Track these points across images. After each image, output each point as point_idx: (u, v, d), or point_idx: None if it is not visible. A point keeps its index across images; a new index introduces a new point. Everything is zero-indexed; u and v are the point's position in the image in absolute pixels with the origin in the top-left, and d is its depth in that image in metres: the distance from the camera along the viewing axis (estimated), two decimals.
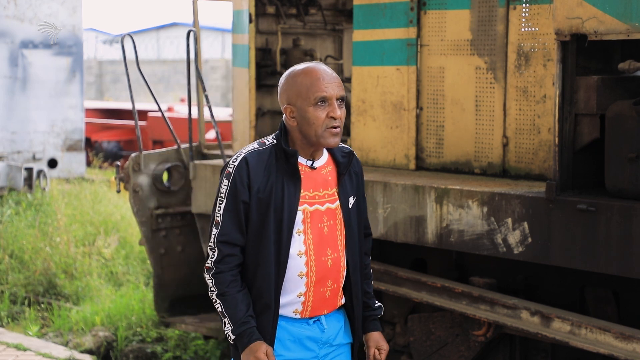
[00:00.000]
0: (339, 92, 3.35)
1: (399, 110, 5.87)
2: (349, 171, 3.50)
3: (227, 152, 6.83)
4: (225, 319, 3.36)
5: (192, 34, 6.61)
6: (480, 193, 4.93)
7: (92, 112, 19.03)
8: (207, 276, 3.41)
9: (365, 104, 6.05)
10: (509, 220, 4.80)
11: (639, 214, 4.29)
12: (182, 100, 23.52)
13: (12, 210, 10.56)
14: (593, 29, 4.42)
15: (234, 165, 3.36)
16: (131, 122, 16.77)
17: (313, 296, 3.42)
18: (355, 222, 3.51)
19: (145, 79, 6.58)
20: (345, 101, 3.43)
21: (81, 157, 13.16)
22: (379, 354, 3.60)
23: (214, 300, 3.39)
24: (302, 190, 3.38)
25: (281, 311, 3.42)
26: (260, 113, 7.20)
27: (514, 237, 4.79)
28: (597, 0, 4.39)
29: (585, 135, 4.65)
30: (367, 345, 3.61)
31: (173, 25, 49.32)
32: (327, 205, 3.43)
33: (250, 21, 6.78)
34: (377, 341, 3.61)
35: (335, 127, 3.34)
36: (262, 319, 3.38)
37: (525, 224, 4.73)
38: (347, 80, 7.57)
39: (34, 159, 12.39)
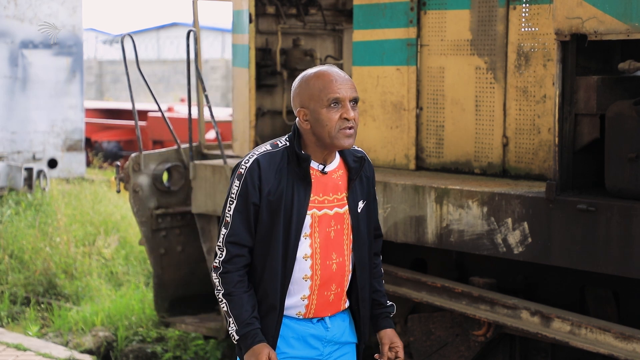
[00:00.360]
0: (352, 94, 3.36)
1: (399, 110, 5.88)
2: (360, 175, 3.50)
3: (227, 152, 6.83)
4: (230, 319, 3.37)
5: (192, 34, 6.61)
6: (480, 193, 4.93)
7: (92, 112, 19.03)
8: (214, 275, 3.41)
9: (365, 104, 6.05)
10: (509, 220, 4.80)
11: (639, 214, 4.29)
12: (182, 100, 23.52)
13: (12, 210, 10.56)
14: (593, 29, 4.42)
15: (246, 167, 3.36)
16: (131, 122, 16.77)
17: (317, 299, 3.42)
18: (365, 225, 3.51)
19: (145, 79, 6.58)
20: (358, 103, 3.43)
21: (81, 157, 13.16)
22: (394, 351, 3.58)
23: (220, 300, 3.40)
24: (311, 195, 3.38)
25: (286, 313, 3.43)
26: (260, 113, 7.20)
27: (514, 237, 4.79)
28: (597, 0, 4.39)
29: (585, 135, 4.65)
30: (381, 343, 3.60)
31: (173, 25, 49.32)
32: (336, 209, 3.43)
33: (250, 21, 6.78)
34: (390, 338, 3.59)
35: (349, 128, 3.34)
36: (267, 319, 3.39)
37: (525, 224, 4.73)
38: None
39: (34, 159, 12.40)
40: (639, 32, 4.30)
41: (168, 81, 34.64)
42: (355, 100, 3.37)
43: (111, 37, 46.40)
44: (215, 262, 3.41)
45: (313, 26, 7.60)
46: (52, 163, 12.65)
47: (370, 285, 3.59)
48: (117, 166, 6.84)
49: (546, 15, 5.17)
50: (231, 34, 7.32)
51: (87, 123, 15.74)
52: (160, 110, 6.87)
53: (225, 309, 3.38)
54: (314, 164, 3.41)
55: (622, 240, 4.36)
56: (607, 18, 4.37)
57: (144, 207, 6.86)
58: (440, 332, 5.37)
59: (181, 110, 16.17)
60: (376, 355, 3.58)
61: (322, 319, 3.47)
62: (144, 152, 6.84)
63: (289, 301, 3.41)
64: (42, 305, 8.41)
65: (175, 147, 6.97)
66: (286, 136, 3.46)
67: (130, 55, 6.55)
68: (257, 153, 3.39)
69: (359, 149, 3.55)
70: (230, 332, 3.39)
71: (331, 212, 3.42)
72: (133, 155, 6.82)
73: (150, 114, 16.44)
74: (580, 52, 4.62)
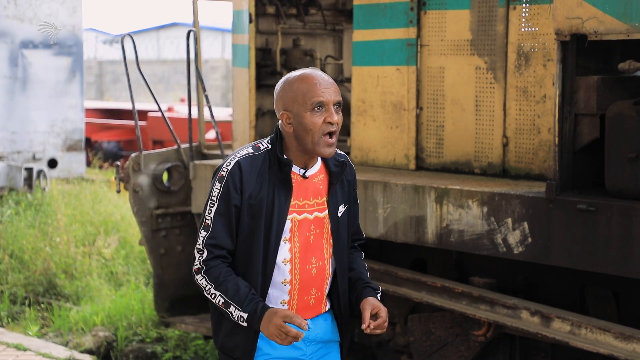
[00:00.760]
0: (335, 98, 3.33)
1: (399, 110, 5.87)
2: (342, 179, 3.48)
3: (227, 152, 6.83)
4: (231, 307, 3.29)
5: (192, 34, 6.61)
6: (480, 193, 4.93)
7: (92, 112, 19.03)
8: (198, 277, 3.36)
9: (365, 104, 6.05)
10: (509, 220, 4.80)
11: (639, 214, 4.29)
12: (182, 100, 23.52)
13: (12, 210, 10.56)
14: (593, 29, 4.42)
15: (228, 169, 3.34)
16: (131, 122, 16.77)
17: (297, 304, 3.40)
18: (345, 230, 3.49)
19: (145, 79, 6.58)
20: (342, 106, 3.39)
21: (81, 157, 13.16)
22: (376, 315, 3.36)
23: (212, 296, 3.32)
24: (292, 199, 3.36)
25: None
26: (260, 113, 7.20)
27: (514, 237, 4.79)
28: (597, 0, 4.39)
29: (585, 135, 4.65)
30: (363, 309, 3.38)
31: (173, 25, 49.31)
32: (316, 214, 3.41)
33: (250, 21, 6.78)
34: (372, 303, 3.39)
35: (331, 136, 3.31)
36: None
37: (525, 224, 4.73)
38: (347, 80, 7.58)
39: (34, 159, 12.39)
40: (639, 32, 4.30)
41: (168, 81, 34.65)
42: (339, 104, 3.34)
43: (111, 37, 46.40)
44: (197, 265, 3.36)
45: (313, 26, 7.61)
46: (52, 163, 12.64)
47: (349, 269, 3.54)
48: (117, 166, 6.84)
49: (546, 15, 5.17)
50: (231, 34, 7.32)
51: (87, 123, 15.74)
52: (160, 110, 6.87)
53: (222, 301, 3.30)
54: (295, 168, 3.38)
55: (622, 240, 4.36)
56: (607, 18, 4.37)
57: (144, 207, 6.86)
58: (440, 332, 5.37)
59: (181, 110, 16.17)
60: (363, 326, 3.36)
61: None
62: (144, 152, 6.84)
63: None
64: (42, 305, 8.41)
65: (175, 147, 6.97)
66: (268, 138, 3.43)
67: (130, 55, 6.55)
68: (238, 156, 3.36)
69: (341, 152, 3.52)
70: (236, 318, 3.29)
71: (311, 217, 3.40)
72: (133, 155, 6.82)
73: (150, 114, 16.44)
74: (580, 52, 4.62)
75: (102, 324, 7.78)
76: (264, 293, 3.36)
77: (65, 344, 7.54)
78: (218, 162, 6.64)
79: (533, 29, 5.25)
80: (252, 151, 3.38)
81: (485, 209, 4.90)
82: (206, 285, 3.34)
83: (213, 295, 3.33)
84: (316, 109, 3.30)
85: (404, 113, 5.85)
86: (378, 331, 3.36)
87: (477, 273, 5.40)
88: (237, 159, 3.35)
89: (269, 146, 3.39)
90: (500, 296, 5.02)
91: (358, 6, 6.08)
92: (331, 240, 3.45)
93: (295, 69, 3.42)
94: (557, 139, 4.60)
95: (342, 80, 7.70)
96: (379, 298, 3.48)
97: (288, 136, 3.36)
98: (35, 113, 12.47)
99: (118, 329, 7.62)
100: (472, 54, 5.53)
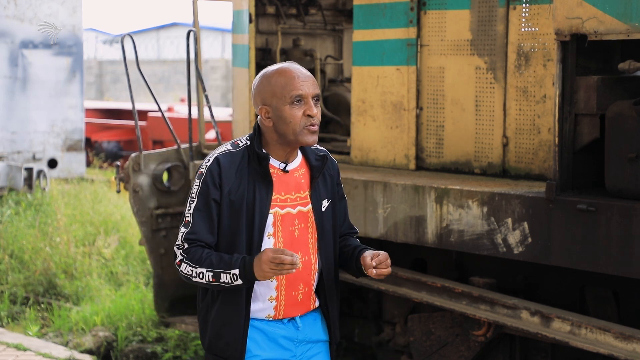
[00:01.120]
0: (314, 91, 3.33)
1: (399, 110, 5.88)
2: (324, 174, 3.48)
3: None
4: (221, 274, 3.25)
5: (192, 34, 6.61)
6: (480, 193, 4.93)
7: (92, 112, 19.03)
8: (182, 267, 3.32)
9: (365, 104, 6.05)
10: (509, 220, 4.80)
11: (639, 214, 4.29)
12: (182, 100, 23.52)
13: (12, 210, 10.56)
14: (593, 29, 4.42)
15: (207, 166, 3.35)
16: (131, 122, 16.77)
17: (285, 300, 3.40)
18: (330, 224, 3.48)
19: (145, 79, 6.58)
20: (320, 100, 3.40)
21: (81, 157, 13.15)
22: (377, 257, 3.32)
23: (200, 276, 3.27)
24: (273, 194, 3.36)
25: (254, 316, 3.39)
26: None
27: (514, 237, 4.79)
28: (597, 0, 4.39)
29: (585, 135, 4.65)
30: (362, 261, 3.35)
31: (173, 25, 49.32)
32: (299, 208, 3.41)
33: (250, 21, 6.78)
34: (371, 252, 3.37)
35: (312, 125, 3.32)
36: (232, 323, 3.34)
37: (525, 224, 4.73)
38: (347, 80, 7.58)
39: (34, 159, 12.39)
40: (639, 32, 4.30)
41: (168, 81, 34.65)
42: (317, 97, 3.35)
43: (111, 37, 46.40)
44: (178, 258, 3.34)
45: (313, 26, 7.61)
46: (52, 163, 12.64)
47: (344, 246, 3.53)
48: (117, 166, 6.84)
49: (546, 15, 5.17)
50: (231, 34, 7.32)
51: (87, 123, 15.74)
52: (160, 110, 6.87)
53: (210, 274, 3.25)
54: (275, 163, 3.39)
55: (622, 240, 4.36)
56: (607, 18, 4.37)
57: (144, 207, 6.86)
58: (440, 332, 5.37)
59: (181, 110, 16.18)
60: (368, 271, 3.33)
61: (293, 318, 3.44)
62: (144, 152, 6.84)
63: (257, 304, 3.39)
64: (42, 305, 8.41)
65: (175, 147, 6.97)
66: (247, 135, 3.43)
67: (130, 55, 6.55)
68: (217, 152, 3.37)
69: (322, 147, 3.53)
70: (229, 280, 3.25)
71: (294, 211, 3.40)
72: (133, 155, 6.82)
73: (150, 114, 16.44)
74: (580, 52, 4.62)
75: (102, 324, 7.78)
76: (249, 289, 3.36)
77: (65, 344, 7.54)
78: None
79: (533, 29, 5.25)
80: (231, 148, 3.39)
81: (485, 209, 4.90)
82: (191, 271, 3.30)
83: (201, 275, 3.28)
84: (295, 102, 3.31)
85: (404, 113, 5.85)
86: (384, 270, 3.31)
87: (477, 273, 5.40)
88: (215, 155, 3.37)
89: (248, 142, 3.39)
90: (500, 296, 5.02)
91: (358, 6, 6.08)
92: (316, 235, 3.44)
93: None
94: (557, 139, 4.60)
95: (342, 80, 7.70)
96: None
97: (268, 130, 3.37)
98: (35, 113, 12.47)
99: (118, 329, 7.62)
100: (472, 54, 5.53)
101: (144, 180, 6.85)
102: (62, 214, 10.16)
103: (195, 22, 7.14)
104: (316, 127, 3.34)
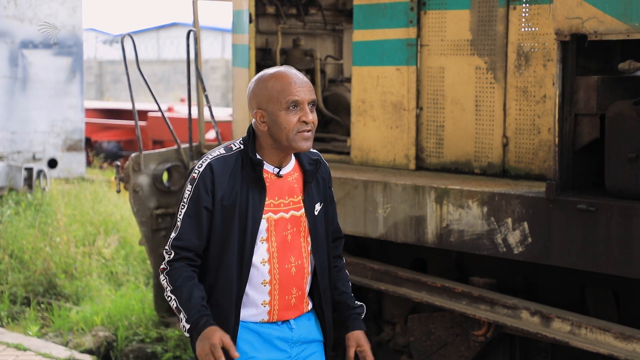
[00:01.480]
0: (310, 97, 3.31)
1: (399, 110, 5.87)
2: (316, 177, 3.47)
3: None
4: (181, 313, 3.30)
5: (192, 34, 6.61)
6: (480, 193, 4.93)
7: (92, 112, 19.03)
8: (161, 277, 3.36)
9: (365, 104, 6.05)
10: (509, 220, 4.80)
11: (639, 214, 4.29)
12: (182, 100, 23.52)
13: (12, 210, 10.56)
14: (593, 29, 4.42)
15: (199, 172, 3.32)
16: (131, 122, 16.77)
17: (278, 304, 3.39)
18: (322, 228, 3.48)
19: (145, 79, 6.58)
20: (316, 106, 3.38)
21: (81, 157, 13.16)
22: (362, 356, 3.48)
23: (169, 299, 3.34)
24: (267, 199, 3.34)
25: (248, 319, 3.39)
26: None
27: (514, 237, 4.79)
28: (597, 0, 4.39)
29: (585, 135, 4.65)
30: (347, 345, 3.51)
31: (173, 25, 49.33)
32: (292, 212, 3.40)
33: (250, 21, 6.78)
34: (357, 340, 3.51)
35: (307, 131, 3.30)
36: (222, 326, 3.32)
37: (525, 224, 4.73)
38: (347, 80, 7.58)
39: (34, 159, 12.39)
40: (639, 32, 4.30)
41: (168, 81, 34.65)
42: (313, 103, 3.33)
43: (111, 37, 46.40)
44: (163, 265, 3.36)
45: (313, 26, 7.61)
46: (52, 163, 12.64)
47: (333, 288, 3.55)
48: (117, 166, 6.84)
49: (546, 15, 5.17)
50: (231, 34, 7.32)
51: (87, 123, 15.74)
52: (160, 110, 6.87)
53: (175, 305, 3.32)
54: (269, 167, 3.37)
55: (622, 240, 4.36)
56: (607, 18, 4.37)
57: (144, 207, 6.86)
58: (440, 332, 5.37)
59: (181, 110, 16.17)
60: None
61: (287, 321, 3.44)
62: (144, 152, 6.84)
63: (250, 309, 3.38)
64: (42, 305, 8.41)
65: (175, 147, 6.97)
66: (240, 139, 3.41)
67: (130, 55, 6.55)
68: (210, 157, 3.34)
69: (315, 151, 3.51)
70: (181, 326, 3.32)
71: (287, 216, 3.38)
72: (133, 155, 6.82)
73: (150, 114, 16.44)
74: (580, 52, 4.62)
75: (102, 324, 7.79)
76: (240, 294, 3.34)
77: (65, 344, 7.54)
78: None
79: (533, 29, 5.25)
80: (224, 152, 3.36)
81: (485, 209, 4.90)
82: (166, 287, 3.35)
83: (169, 298, 3.35)
84: (291, 107, 3.29)
85: (404, 113, 5.85)
86: None
87: (477, 273, 5.40)
88: (208, 160, 3.34)
89: (242, 146, 3.37)
90: (500, 296, 5.02)
91: (358, 6, 6.08)
92: (309, 239, 3.44)
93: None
94: (557, 139, 4.60)
95: (342, 80, 7.70)
96: (362, 316, 3.56)
97: (262, 135, 3.35)
98: (35, 113, 12.47)
99: (118, 329, 7.62)
100: (472, 54, 5.53)
101: (144, 180, 6.85)
102: (62, 214, 10.16)
103: (195, 22, 7.14)
104: (310, 134, 3.32)
